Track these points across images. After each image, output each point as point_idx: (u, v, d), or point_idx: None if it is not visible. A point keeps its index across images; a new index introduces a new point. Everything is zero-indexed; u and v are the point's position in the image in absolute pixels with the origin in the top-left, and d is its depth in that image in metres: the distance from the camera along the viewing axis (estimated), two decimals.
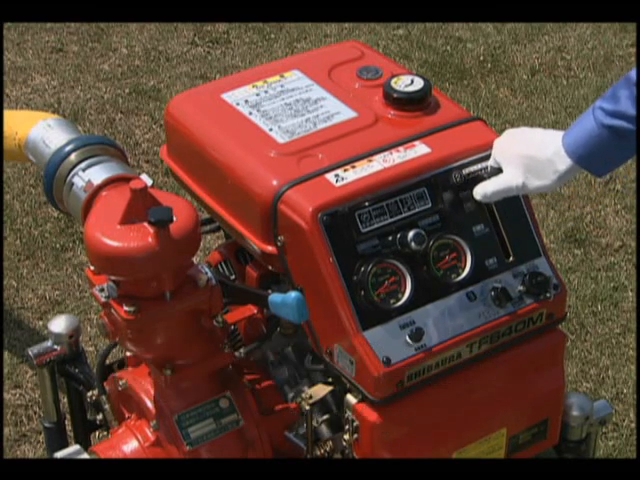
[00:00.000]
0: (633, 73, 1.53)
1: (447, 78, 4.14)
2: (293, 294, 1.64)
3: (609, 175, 3.65)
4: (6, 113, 2.12)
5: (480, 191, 1.69)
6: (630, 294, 3.19)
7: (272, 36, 4.38)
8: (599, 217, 3.49)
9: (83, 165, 1.89)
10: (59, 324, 2.07)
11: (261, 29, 4.41)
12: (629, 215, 3.49)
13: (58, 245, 3.34)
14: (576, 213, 3.51)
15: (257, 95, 1.86)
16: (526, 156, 1.64)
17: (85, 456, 1.84)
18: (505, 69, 4.22)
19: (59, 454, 1.86)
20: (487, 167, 1.72)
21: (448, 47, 4.32)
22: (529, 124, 3.88)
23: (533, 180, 1.63)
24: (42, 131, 1.99)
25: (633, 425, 2.80)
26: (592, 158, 1.59)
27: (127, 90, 4.06)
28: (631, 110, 1.53)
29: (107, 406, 1.95)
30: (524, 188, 1.65)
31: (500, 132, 1.75)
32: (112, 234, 1.62)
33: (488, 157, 1.73)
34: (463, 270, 1.69)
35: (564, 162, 1.60)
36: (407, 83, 1.80)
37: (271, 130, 1.77)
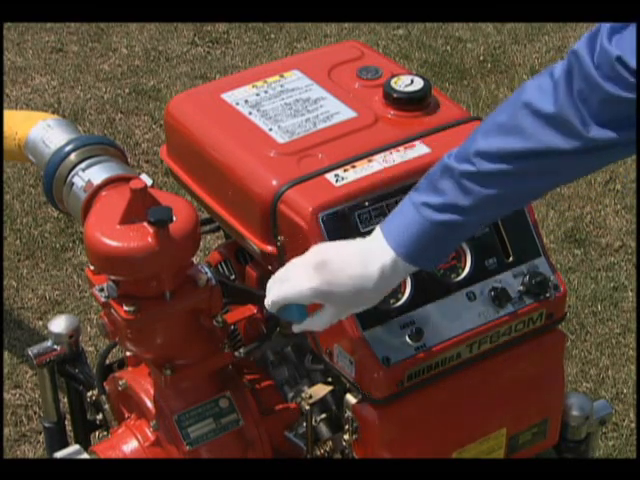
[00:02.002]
0: (446, 159, 1.43)
1: (447, 78, 4.14)
2: None
3: (609, 175, 3.66)
4: (6, 113, 2.12)
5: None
6: (630, 294, 3.19)
7: (272, 36, 4.38)
8: (599, 217, 3.49)
9: (83, 165, 1.89)
10: (59, 324, 2.07)
11: (261, 29, 4.41)
12: (629, 215, 3.49)
13: (58, 245, 3.34)
14: (576, 213, 3.51)
15: (257, 95, 1.86)
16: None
17: (85, 456, 1.84)
18: (505, 69, 4.22)
19: (59, 454, 1.86)
20: None
21: (448, 47, 4.32)
22: None
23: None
24: (42, 131, 1.99)
25: (633, 425, 2.80)
26: (423, 254, 1.45)
27: (127, 90, 4.06)
28: (462, 200, 1.40)
29: (107, 406, 1.95)
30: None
31: None
32: (112, 234, 1.62)
33: None
34: (463, 270, 1.69)
35: (387, 255, 1.45)
36: (407, 83, 1.80)
37: (271, 130, 1.77)
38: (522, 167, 1.38)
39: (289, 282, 1.51)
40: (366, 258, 1.47)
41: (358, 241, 1.51)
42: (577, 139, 1.33)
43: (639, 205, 3.50)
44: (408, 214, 1.46)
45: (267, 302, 1.54)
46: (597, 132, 1.31)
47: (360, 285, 1.48)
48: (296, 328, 1.59)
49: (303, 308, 1.55)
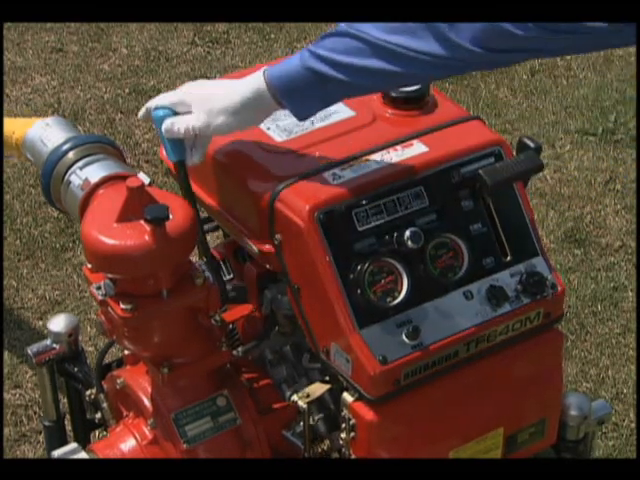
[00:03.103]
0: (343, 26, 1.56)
1: (447, 78, 4.14)
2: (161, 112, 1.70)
3: (609, 175, 3.66)
4: (5, 120, 2.13)
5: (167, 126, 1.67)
6: (630, 294, 3.19)
7: (272, 36, 4.38)
8: (599, 217, 3.49)
9: (80, 163, 1.89)
10: (58, 323, 2.07)
11: (261, 29, 4.41)
12: (629, 215, 3.49)
13: (58, 245, 3.34)
14: (576, 213, 3.51)
15: None
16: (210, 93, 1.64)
17: (83, 454, 1.85)
18: (505, 69, 4.21)
19: (56, 452, 1.87)
20: (484, 166, 1.71)
21: None
22: (529, 124, 3.88)
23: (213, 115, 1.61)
24: (40, 130, 1.99)
25: (633, 425, 2.79)
26: (292, 94, 1.58)
27: (127, 90, 4.06)
28: (337, 56, 1.53)
29: (105, 404, 1.95)
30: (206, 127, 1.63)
31: (500, 132, 1.75)
32: (109, 232, 1.62)
33: (486, 156, 1.73)
34: (460, 269, 1.69)
35: (258, 84, 1.59)
36: None
37: (269, 129, 1.77)
38: (396, 51, 1.53)
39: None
40: (239, 81, 1.62)
41: None
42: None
43: (639, 205, 3.50)
44: (292, 58, 1.59)
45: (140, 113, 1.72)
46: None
47: (224, 94, 1.62)
48: (165, 125, 1.67)
49: (169, 111, 1.67)
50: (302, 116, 1.63)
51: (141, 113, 1.73)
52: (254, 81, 1.61)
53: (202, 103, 1.64)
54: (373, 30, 1.55)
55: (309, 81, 1.57)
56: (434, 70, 1.55)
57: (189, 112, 1.66)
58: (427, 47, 1.51)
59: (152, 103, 1.70)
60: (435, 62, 1.52)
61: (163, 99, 1.69)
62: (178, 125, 1.66)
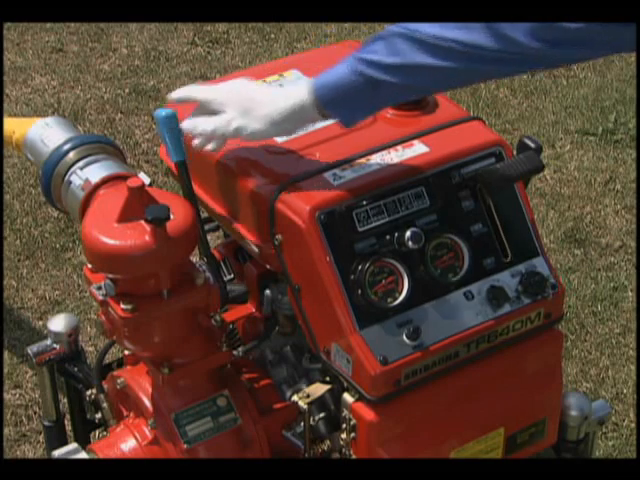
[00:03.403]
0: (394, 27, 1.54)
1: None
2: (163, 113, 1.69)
3: (609, 175, 3.66)
4: (5, 120, 2.13)
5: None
6: (630, 294, 3.19)
7: (272, 36, 4.39)
8: (599, 217, 3.49)
9: (81, 164, 1.89)
10: (58, 323, 2.07)
11: (261, 29, 4.42)
12: (629, 215, 3.49)
13: (58, 245, 3.34)
14: (576, 213, 3.51)
15: None
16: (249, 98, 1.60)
17: (83, 454, 1.85)
18: None
19: (56, 452, 1.87)
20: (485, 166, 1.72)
21: None
22: (529, 124, 3.88)
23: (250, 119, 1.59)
24: (40, 130, 2.00)
25: (633, 425, 2.80)
26: (341, 103, 1.56)
27: (127, 90, 4.06)
28: (387, 58, 1.52)
29: (105, 404, 1.95)
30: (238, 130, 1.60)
31: (500, 132, 1.75)
32: (109, 232, 1.62)
33: (486, 156, 1.73)
34: (461, 269, 1.69)
35: (304, 95, 1.56)
36: None
37: None
38: (454, 47, 1.51)
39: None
40: (283, 90, 1.61)
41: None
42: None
43: (639, 205, 3.50)
44: (337, 66, 1.56)
45: (191, 128, 1.66)
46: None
47: (267, 102, 1.59)
48: (187, 125, 1.65)
49: (172, 111, 1.67)
50: (350, 124, 1.61)
51: (175, 96, 1.68)
52: (298, 92, 1.57)
53: (240, 106, 1.60)
54: (426, 28, 1.53)
55: (359, 88, 1.54)
56: (490, 64, 1.52)
57: (219, 112, 1.62)
58: (482, 40, 1.49)
59: (184, 93, 1.67)
60: (491, 56, 1.50)
61: (196, 92, 1.65)
62: (204, 127, 1.63)
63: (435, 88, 1.66)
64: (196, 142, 1.67)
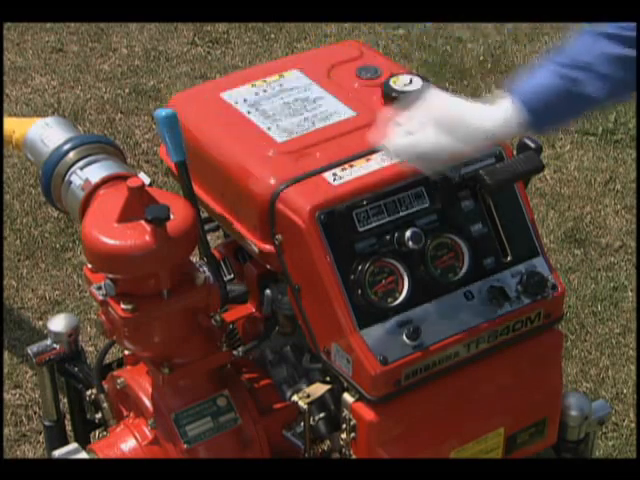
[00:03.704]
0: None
1: (447, 78, 4.14)
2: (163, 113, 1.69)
3: (609, 175, 3.66)
4: (5, 119, 2.13)
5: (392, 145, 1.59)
6: (630, 294, 3.19)
7: (272, 36, 4.38)
8: (599, 217, 3.49)
9: (81, 163, 1.89)
10: (58, 323, 2.07)
11: (261, 29, 4.41)
12: (629, 215, 3.49)
13: (58, 245, 3.34)
14: (576, 213, 3.51)
15: (256, 94, 1.86)
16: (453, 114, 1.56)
17: (83, 454, 1.85)
18: (505, 69, 4.21)
19: (57, 452, 1.87)
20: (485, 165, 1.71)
21: (448, 47, 4.32)
22: None
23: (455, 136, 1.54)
24: (40, 130, 2.00)
25: (633, 425, 2.79)
26: (542, 108, 1.53)
27: (127, 90, 4.06)
28: (586, 56, 1.52)
29: (105, 404, 1.95)
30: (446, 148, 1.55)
31: None
32: (109, 232, 1.62)
33: (486, 156, 1.73)
34: (461, 269, 1.69)
35: (510, 108, 1.53)
36: (406, 82, 1.80)
37: (269, 129, 1.77)
38: None
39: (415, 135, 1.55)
40: (486, 106, 1.56)
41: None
42: None
43: (639, 205, 3.50)
44: (537, 74, 1.56)
45: (392, 149, 1.58)
46: None
47: (472, 119, 1.55)
48: (394, 148, 1.58)
49: (172, 111, 1.69)
50: (545, 130, 1.59)
51: (392, 147, 1.59)
52: (503, 107, 1.54)
53: (444, 124, 1.54)
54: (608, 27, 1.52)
55: (561, 91, 1.53)
56: None
57: (421, 131, 1.56)
58: None
59: (396, 143, 1.58)
60: None
61: (401, 119, 1.58)
62: (406, 142, 1.56)
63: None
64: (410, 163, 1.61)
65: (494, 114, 1.55)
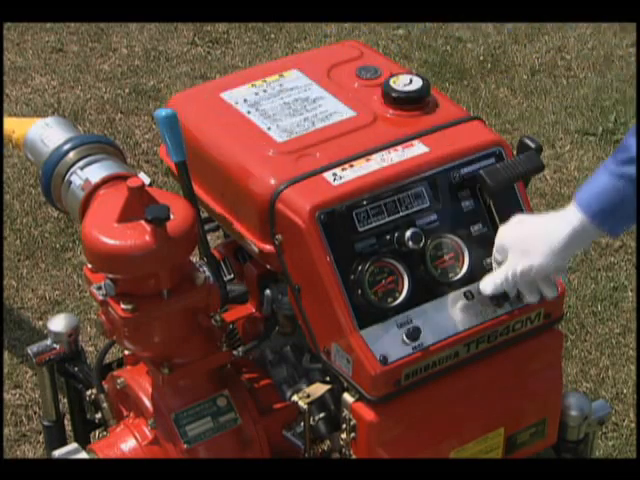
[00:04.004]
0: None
1: (447, 78, 4.14)
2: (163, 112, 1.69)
3: None
4: (6, 119, 2.13)
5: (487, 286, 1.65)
6: (630, 294, 3.19)
7: (272, 36, 4.38)
8: None
9: (81, 163, 1.90)
10: (58, 323, 2.07)
11: (261, 29, 4.42)
12: None
13: (58, 245, 3.34)
14: None
15: (256, 94, 1.86)
16: (528, 234, 1.60)
17: (83, 454, 1.85)
18: (505, 69, 4.22)
19: (57, 452, 1.87)
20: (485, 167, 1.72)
21: (448, 47, 4.32)
22: (529, 124, 3.88)
23: (534, 255, 1.58)
24: (40, 130, 2.00)
25: (633, 425, 2.79)
26: (607, 213, 1.53)
27: (127, 90, 4.06)
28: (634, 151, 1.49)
29: (105, 404, 1.95)
30: (529, 270, 1.59)
31: (500, 132, 1.74)
32: (109, 232, 1.62)
33: (486, 156, 1.73)
34: (461, 269, 1.69)
35: (575, 219, 1.54)
36: (406, 82, 1.80)
37: (269, 129, 1.77)
38: None
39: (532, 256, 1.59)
40: (555, 219, 1.58)
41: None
42: None
43: (639, 205, 3.49)
44: (595, 175, 1.53)
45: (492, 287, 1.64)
46: None
47: (543, 236, 1.57)
48: (484, 286, 1.65)
49: (172, 111, 1.70)
50: (619, 232, 1.58)
51: (486, 286, 1.65)
52: (569, 218, 1.55)
53: (520, 246, 1.59)
54: None
55: (623, 190, 1.51)
56: None
57: (504, 260, 1.62)
58: None
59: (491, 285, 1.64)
60: None
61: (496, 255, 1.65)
62: (496, 279, 1.63)
63: None
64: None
65: (561, 229, 1.56)
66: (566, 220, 1.56)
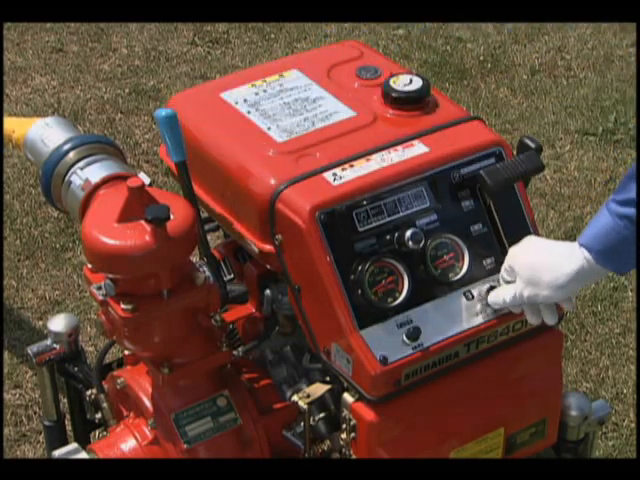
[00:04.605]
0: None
1: (447, 78, 4.14)
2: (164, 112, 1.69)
3: (609, 175, 3.66)
4: (5, 119, 2.13)
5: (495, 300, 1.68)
6: (630, 294, 3.19)
7: (272, 36, 4.39)
8: None
9: (81, 164, 1.90)
10: (58, 323, 2.07)
11: (261, 29, 4.42)
12: None
13: (58, 245, 3.34)
14: (576, 213, 3.51)
15: (256, 94, 1.86)
16: (536, 262, 1.62)
17: (83, 454, 1.85)
18: (505, 69, 4.22)
19: (57, 452, 1.87)
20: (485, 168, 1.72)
21: (448, 47, 4.32)
22: (529, 124, 3.88)
23: (540, 287, 1.60)
24: (41, 130, 2.00)
25: (633, 425, 2.79)
26: (611, 253, 1.54)
27: (127, 90, 4.06)
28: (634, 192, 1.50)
29: (105, 404, 1.95)
30: (534, 297, 1.62)
31: (500, 132, 1.74)
32: (109, 232, 1.62)
33: (486, 156, 1.73)
34: (461, 269, 1.69)
35: (580, 257, 1.56)
36: (406, 82, 1.80)
37: (269, 129, 1.77)
38: None
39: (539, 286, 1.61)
40: (563, 253, 1.59)
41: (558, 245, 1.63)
42: None
43: (639, 205, 3.49)
44: (598, 214, 1.55)
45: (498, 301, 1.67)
46: None
47: (549, 269, 1.59)
48: (491, 298, 1.68)
49: (172, 111, 1.71)
50: (624, 271, 1.59)
51: (494, 301, 1.68)
52: (576, 255, 1.56)
53: (527, 274, 1.61)
54: None
55: (624, 231, 1.52)
56: None
57: (514, 280, 1.64)
58: None
59: (499, 298, 1.67)
60: None
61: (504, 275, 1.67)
62: (503, 296, 1.65)
63: None
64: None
65: (568, 266, 1.58)
66: (574, 256, 1.57)
